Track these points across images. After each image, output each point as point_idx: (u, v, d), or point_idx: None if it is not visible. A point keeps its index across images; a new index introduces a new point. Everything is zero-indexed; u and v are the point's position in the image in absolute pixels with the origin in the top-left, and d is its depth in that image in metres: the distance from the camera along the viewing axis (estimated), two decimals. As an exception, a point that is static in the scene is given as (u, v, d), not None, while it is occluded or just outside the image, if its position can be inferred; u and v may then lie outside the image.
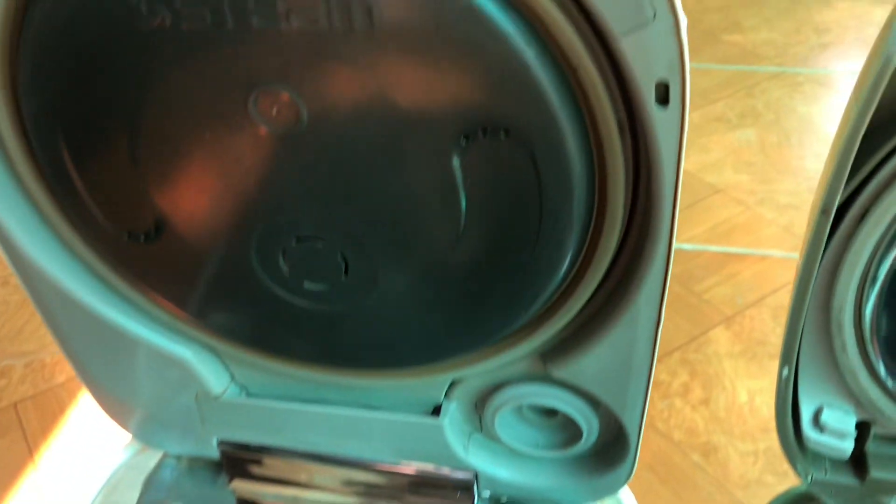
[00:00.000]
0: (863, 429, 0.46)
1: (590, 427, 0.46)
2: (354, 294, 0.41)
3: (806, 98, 1.23)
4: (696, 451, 0.72)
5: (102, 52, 0.34)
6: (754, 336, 0.83)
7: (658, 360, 0.43)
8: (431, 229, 0.37)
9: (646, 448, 0.68)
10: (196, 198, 0.38)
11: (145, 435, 0.56)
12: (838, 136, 0.36)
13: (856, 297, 0.41)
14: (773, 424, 0.47)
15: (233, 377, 0.50)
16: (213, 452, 0.54)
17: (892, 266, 0.40)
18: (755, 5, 1.52)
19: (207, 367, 0.48)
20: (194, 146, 0.36)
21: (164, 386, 0.50)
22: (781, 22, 1.44)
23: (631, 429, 0.44)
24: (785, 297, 0.87)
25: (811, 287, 0.39)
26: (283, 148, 0.35)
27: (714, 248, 0.96)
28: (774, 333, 0.85)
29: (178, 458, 0.57)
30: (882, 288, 0.41)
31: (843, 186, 0.35)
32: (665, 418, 0.75)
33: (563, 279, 0.39)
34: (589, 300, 0.40)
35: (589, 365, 0.41)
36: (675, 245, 0.37)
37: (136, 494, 0.55)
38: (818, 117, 1.20)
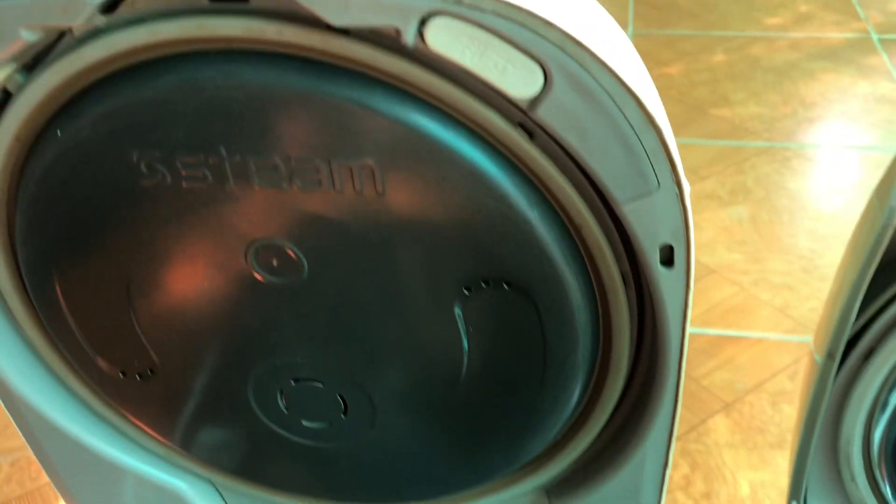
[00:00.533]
0: (874, 556, 0.45)
1: (595, 561, 0.45)
2: (353, 432, 0.40)
3: (795, 174, 1.24)
4: (701, 551, 0.70)
5: (100, 206, 0.34)
6: (754, 424, 0.82)
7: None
8: (433, 372, 0.37)
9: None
10: (192, 342, 0.38)
11: (135, 560, 0.54)
12: (842, 281, 0.36)
13: (864, 426, 0.41)
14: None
15: (227, 507, 0.48)
16: (206, 580, 0.52)
17: None
18: (742, 78, 1.54)
19: (202, 498, 0.47)
20: (191, 294, 0.36)
21: (155, 515, 0.48)
22: (769, 95, 1.46)
23: (638, 565, 0.43)
24: (783, 382, 0.86)
25: (818, 427, 0.39)
26: (281, 297, 0.35)
27: (711, 331, 0.95)
28: (773, 421, 0.84)
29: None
30: (893, 414, 0.40)
31: (848, 331, 0.35)
32: (667, 514, 0.73)
33: (568, 420, 0.38)
34: (595, 439, 0.39)
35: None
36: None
37: None
38: (807, 194, 1.20)
